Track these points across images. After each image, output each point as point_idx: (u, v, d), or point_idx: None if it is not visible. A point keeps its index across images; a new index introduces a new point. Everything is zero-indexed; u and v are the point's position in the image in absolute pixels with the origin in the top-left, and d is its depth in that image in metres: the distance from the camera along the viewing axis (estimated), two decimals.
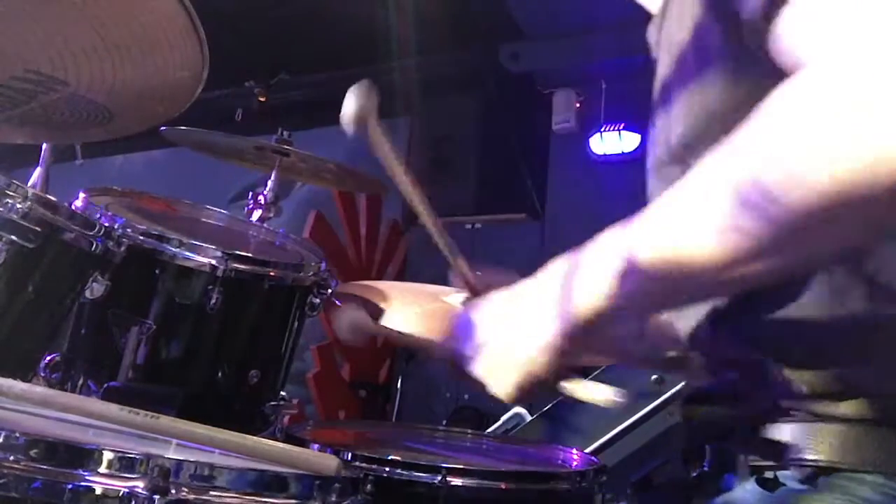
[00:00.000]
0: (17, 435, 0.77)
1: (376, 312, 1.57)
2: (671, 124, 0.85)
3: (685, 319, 0.90)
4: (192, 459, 0.82)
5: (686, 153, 0.81)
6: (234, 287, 1.36)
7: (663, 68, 0.88)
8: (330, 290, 1.51)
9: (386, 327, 1.11)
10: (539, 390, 0.79)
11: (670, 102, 0.85)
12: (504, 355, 0.79)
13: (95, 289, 1.26)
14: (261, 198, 1.91)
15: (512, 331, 0.79)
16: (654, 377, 2.24)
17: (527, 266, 0.82)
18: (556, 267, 0.78)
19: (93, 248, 1.24)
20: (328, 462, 0.89)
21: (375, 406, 4.42)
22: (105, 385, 1.29)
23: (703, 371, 0.94)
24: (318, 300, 1.49)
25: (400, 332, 1.08)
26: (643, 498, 2.24)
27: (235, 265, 1.35)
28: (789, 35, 0.64)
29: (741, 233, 0.60)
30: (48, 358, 1.24)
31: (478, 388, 0.82)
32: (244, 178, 4.08)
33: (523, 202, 4.59)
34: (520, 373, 0.77)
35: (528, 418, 2.52)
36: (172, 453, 0.88)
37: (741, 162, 0.61)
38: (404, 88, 4.48)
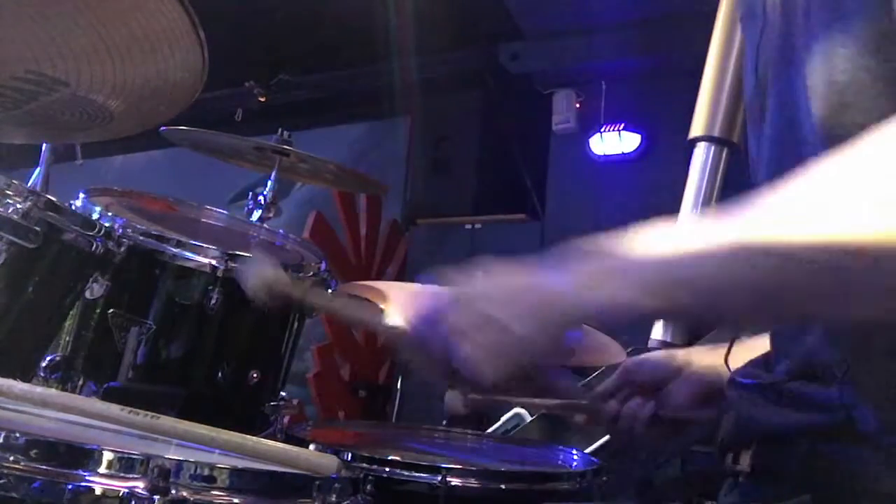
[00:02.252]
0: (17, 435, 0.77)
1: (376, 312, 1.57)
2: (796, 98, 0.74)
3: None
4: (192, 459, 0.82)
5: (823, 133, 0.70)
6: (234, 287, 1.35)
7: (774, 31, 0.79)
8: (330, 291, 1.51)
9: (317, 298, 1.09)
10: (518, 379, 0.75)
11: (788, 73, 0.75)
12: (509, 328, 0.72)
13: (95, 289, 1.26)
14: (261, 198, 1.91)
15: (527, 305, 0.74)
16: None
17: None
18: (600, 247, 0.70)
19: (93, 248, 1.24)
20: (328, 462, 0.89)
21: (375, 406, 4.42)
22: (105, 385, 1.29)
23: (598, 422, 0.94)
24: None
25: (346, 311, 1.03)
26: (643, 498, 2.24)
27: (235, 265, 1.35)
28: None
29: None
30: (48, 358, 1.25)
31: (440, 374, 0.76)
32: (244, 178, 4.09)
33: (523, 202, 4.59)
34: (517, 350, 0.72)
35: (528, 418, 2.51)
36: (172, 453, 0.88)
37: None
38: (404, 88, 4.48)
